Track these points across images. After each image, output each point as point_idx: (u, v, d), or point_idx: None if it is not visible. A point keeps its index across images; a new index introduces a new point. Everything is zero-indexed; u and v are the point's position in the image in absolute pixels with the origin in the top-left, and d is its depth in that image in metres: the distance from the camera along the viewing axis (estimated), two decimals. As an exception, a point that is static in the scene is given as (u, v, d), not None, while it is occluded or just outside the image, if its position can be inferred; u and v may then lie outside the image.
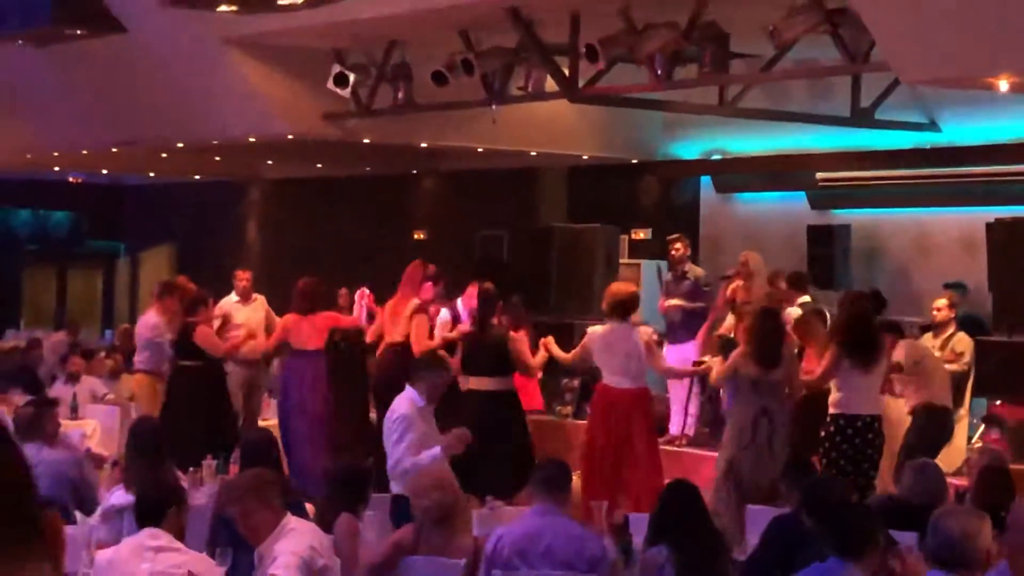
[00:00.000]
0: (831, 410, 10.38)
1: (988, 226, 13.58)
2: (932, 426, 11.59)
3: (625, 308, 11.16)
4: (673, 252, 14.39)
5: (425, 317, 12.67)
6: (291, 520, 6.35)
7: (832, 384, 10.43)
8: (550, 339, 11.85)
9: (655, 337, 11.81)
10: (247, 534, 6.32)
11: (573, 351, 11.67)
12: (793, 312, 12.72)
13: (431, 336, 12.64)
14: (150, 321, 13.77)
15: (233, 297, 14.49)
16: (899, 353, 11.75)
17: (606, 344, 11.08)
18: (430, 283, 13.04)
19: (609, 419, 11.02)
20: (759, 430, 10.34)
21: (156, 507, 6.34)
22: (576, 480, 9.51)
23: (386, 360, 12.77)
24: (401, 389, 9.21)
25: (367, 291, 14.03)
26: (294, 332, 13.15)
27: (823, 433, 10.39)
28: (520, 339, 12.33)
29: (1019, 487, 8.28)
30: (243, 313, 14.21)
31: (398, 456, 8.89)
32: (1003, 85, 11.15)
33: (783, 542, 7.03)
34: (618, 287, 11.64)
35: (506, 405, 11.46)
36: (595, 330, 11.28)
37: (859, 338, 10.36)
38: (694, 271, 14.24)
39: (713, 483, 10.17)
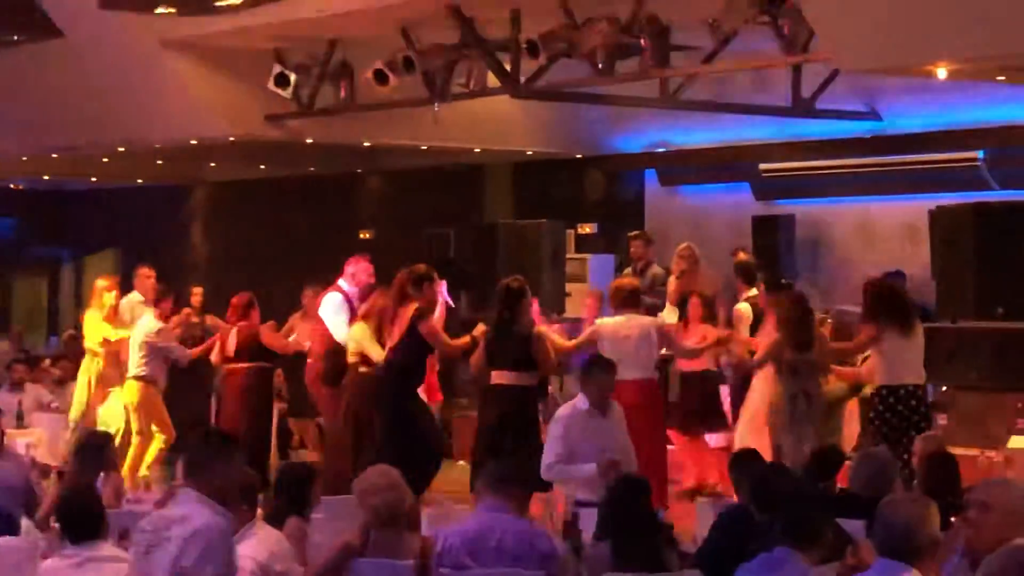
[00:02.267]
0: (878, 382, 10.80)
1: (931, 213, 13.67)
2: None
3: (635, 299, 11.42)
4: (632, 250, 14.50)
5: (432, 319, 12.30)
6: (257, 523, 6.32)
7: (872, 356, 10.92)
8: (552, 328, 11.93)
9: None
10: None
11: (576, 339, 11.79)
12: (743, 308, 12.75)
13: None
14: (151, 326, 13.42)
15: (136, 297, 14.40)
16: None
17: (618, 335, 11.20)
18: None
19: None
20: (797, 410, 10.72)
21: (94, 519, 6.31)
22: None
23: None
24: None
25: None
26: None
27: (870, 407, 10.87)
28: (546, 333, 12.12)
29: (966, 471, 8.33)
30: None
31: (548, 461, 9.15)
32: (942, 72, 11.22)
33: (733, 533, 7.03)
34: (624, 281, 11.91)
35: (532, 400, 11.21)
36: (605, 322, 11.46)
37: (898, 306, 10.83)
38: (654, 271, 14.31)
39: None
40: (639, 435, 10.53)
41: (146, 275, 14.44)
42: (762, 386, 11.49)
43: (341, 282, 12.66)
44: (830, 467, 8.29)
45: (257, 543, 6.25)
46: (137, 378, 13.24)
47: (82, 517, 6.34)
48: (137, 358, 13.25)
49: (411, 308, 11.33)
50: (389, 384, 11.44)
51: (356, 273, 12.65)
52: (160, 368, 13.39)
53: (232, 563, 5.35)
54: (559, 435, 9.22)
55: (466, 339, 11.48)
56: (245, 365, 13.01)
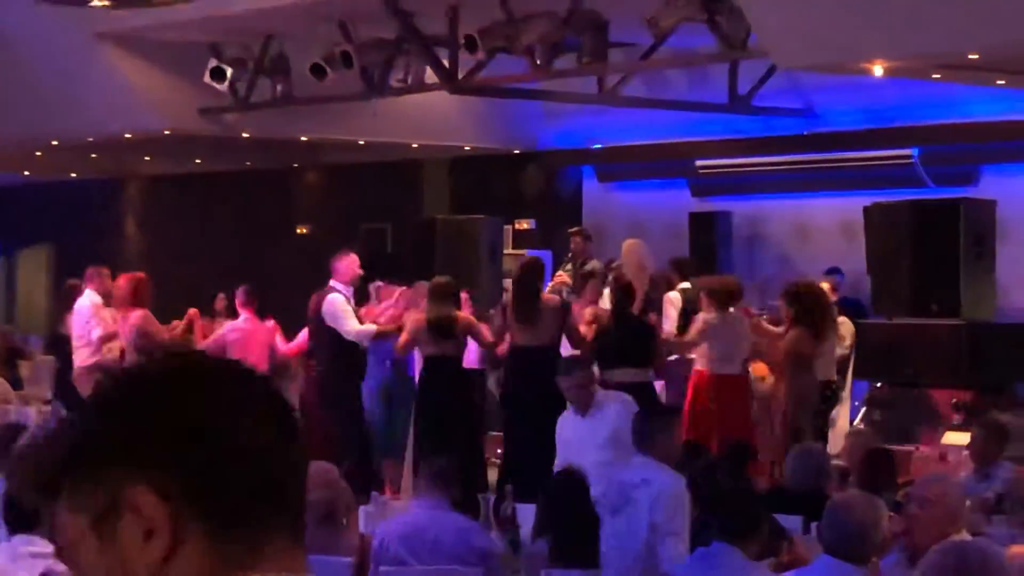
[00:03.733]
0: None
1: (866, 210, 13.74)
2: None
3: (733, 297, 11.65)
4: (572, 246, 14.55)
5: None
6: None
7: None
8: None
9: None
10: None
11: (691, 333, 11.75)
12: (673, 296, 12.85)
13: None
14: (256, 328, 13.09)
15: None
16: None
17: (721, 331, 11.42)
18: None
19: (710, 405, 11.33)
20: (827, 401, 11.29)
21: (30, 510, 6.23)
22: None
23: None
24: None
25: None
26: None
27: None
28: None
29: (901, 467, 8.39)
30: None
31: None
32: (877, 70, 11.29)
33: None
34: (725, 279, 12.11)
35: (649, 397, 11.15)
36: (710, 317, 11.55)
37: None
38: (592, 266, 14.35)
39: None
40: (737, 427, 11.05)
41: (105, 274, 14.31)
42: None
43: (334, 283, 12.10)
44: (741, 461, 8.36)
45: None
46: None
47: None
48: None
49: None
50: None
51: (346, 269, 12.16)
52: None
53: None
54: (557, 439, 9.12)
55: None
56: None
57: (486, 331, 11.55)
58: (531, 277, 11.39)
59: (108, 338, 13.39)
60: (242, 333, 13.13)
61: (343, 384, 11.77)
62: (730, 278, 12.30)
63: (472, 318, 11.51)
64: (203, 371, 1.70)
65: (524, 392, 10.90)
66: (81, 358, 13.34)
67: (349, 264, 12.19)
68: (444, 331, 11.18)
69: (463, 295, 11.67)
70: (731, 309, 11.64)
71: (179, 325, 13.30)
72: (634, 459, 7.12)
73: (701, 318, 11.66)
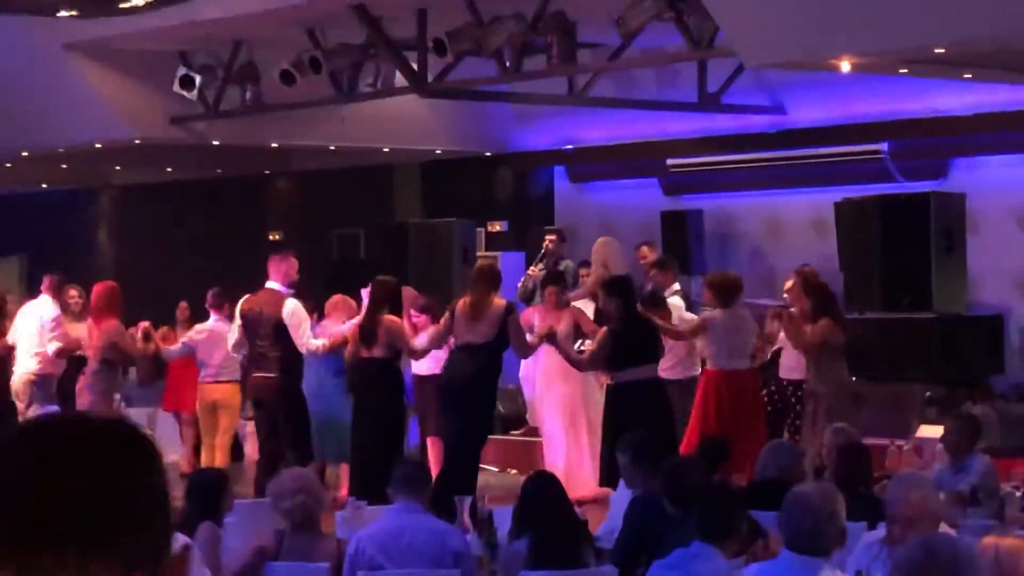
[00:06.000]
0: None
1: (837, 206, 13.79)
2: None
3: (735, 292, 11.71)
4: (547, 245, 14.59)
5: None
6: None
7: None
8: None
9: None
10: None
11: (690, 325, 11.97)
12: (677, 303, 12.78)
13: None
14: (223, 329, 12.81)
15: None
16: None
17: (728, 328, 11.48)
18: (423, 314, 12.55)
19: (724, 402, 11.38)
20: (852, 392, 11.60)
21: None
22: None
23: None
24: None
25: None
26: None
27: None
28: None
29: (875, 461, 8.42)
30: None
31: None
32: (845, 66, 11.34)
33: (645, 526, 7.05)
34: (726, 276, 12.10)
35: (662, 393, 11.31)
36: (713, 314, 11.64)
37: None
38: (566, 265, 14.39)
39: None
40: (748, 422, 11.27)
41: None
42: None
43: (274, 284, 11.67)
44: (718, 457, 8.38)
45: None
46: None
47: None
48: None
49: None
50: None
51: (288, 271, 11.75)
52: None
53: None
54: None
55: None
56: None
57: (410, 335, 11.73)
58: (487, 282, 11.46)
59: (62, 353, 13.42)
60: (210, 334, 13.13)
61: (297, 385, 11.72)
62: (731, 273, 12.33)
63: (396, 321, 11.52)
64: None
65: (457, 383, 11.17)
66: (27, 366, 13.35)
67: (292, 266, 11.82)
68: (369, 336, 11.38)
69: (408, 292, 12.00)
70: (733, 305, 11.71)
71: (138, 336, 13.25)
72: None
73: (703, 314, 11.72)
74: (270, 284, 11.62)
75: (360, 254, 18.63)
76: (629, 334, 11.03)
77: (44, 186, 22.75)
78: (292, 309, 11.50)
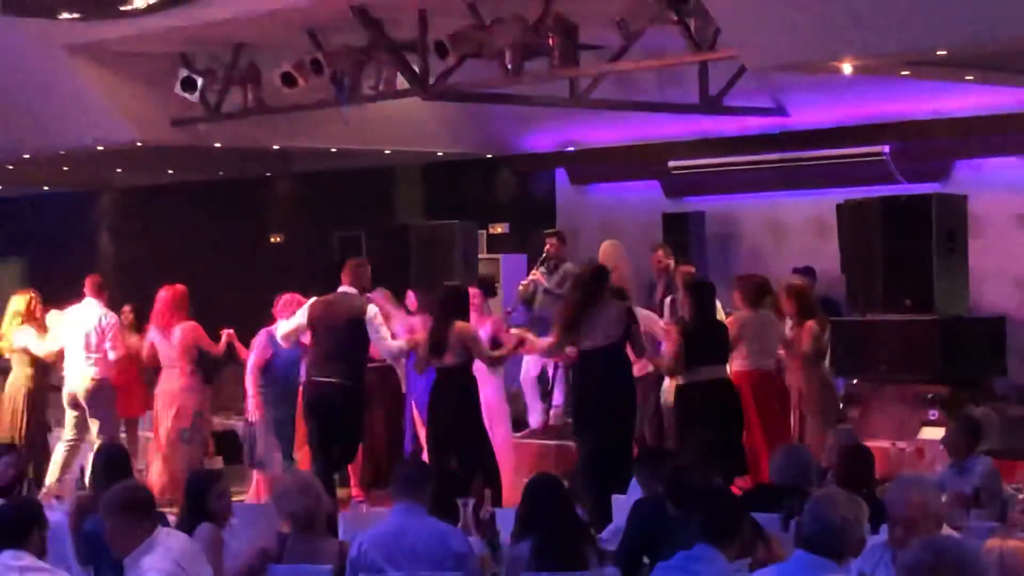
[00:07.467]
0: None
1: (838, 208, 13.79)
2: None
3: (764, 294, 11.85)
4: (548, 247, 14.60)
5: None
6: (161, 532, 6.25)
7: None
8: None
9: None
10: (114, 546, 6.21)
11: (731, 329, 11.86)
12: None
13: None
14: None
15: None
16: None
17: (756, 329, 11.59)
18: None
19: (758, 401, 11.46)
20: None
21: (18, 527, 6.22)
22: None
23: None
24: None
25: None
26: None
27: None
28: None
29: (878, 463, 8.42)
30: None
31: None
32: (847, 68, 11.33)
33: (646, 528, 7.06)
34: (754, 278, 12.14)
35: (730, 391, 11.42)
36: (744, 315, 11.69)
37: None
38: (566, 267, 14.39)
39: None
40: (777, 420, 11.42)
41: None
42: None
43: (347, 288, 11.91)
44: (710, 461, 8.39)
45: (162, 553, 6.16)
46: None
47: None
48: None
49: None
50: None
51: (363, 277, 12.08)
52: None
53: None
54: None
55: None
56: None
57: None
58: (451, 307, 11.50)
59: (121, 361, 13.31)
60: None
61: (362, 388, 11.83)
62: (760, 276, 12.36)
63: (469, 328, 11.56)
64: None
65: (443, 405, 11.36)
66: (86, 372, 13.13)
67: (367, 274, 12.10)
68: (438, 346, 11.43)
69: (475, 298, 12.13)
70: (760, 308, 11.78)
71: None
72: None
73: (734, 317, 11.74)
74: (343, 288, 11.82)
75: (361, 256, 18.62)
76: (699, 334, 11.16)
77: (45, 188, 22.76)
78: (376, 312, 11.66)
